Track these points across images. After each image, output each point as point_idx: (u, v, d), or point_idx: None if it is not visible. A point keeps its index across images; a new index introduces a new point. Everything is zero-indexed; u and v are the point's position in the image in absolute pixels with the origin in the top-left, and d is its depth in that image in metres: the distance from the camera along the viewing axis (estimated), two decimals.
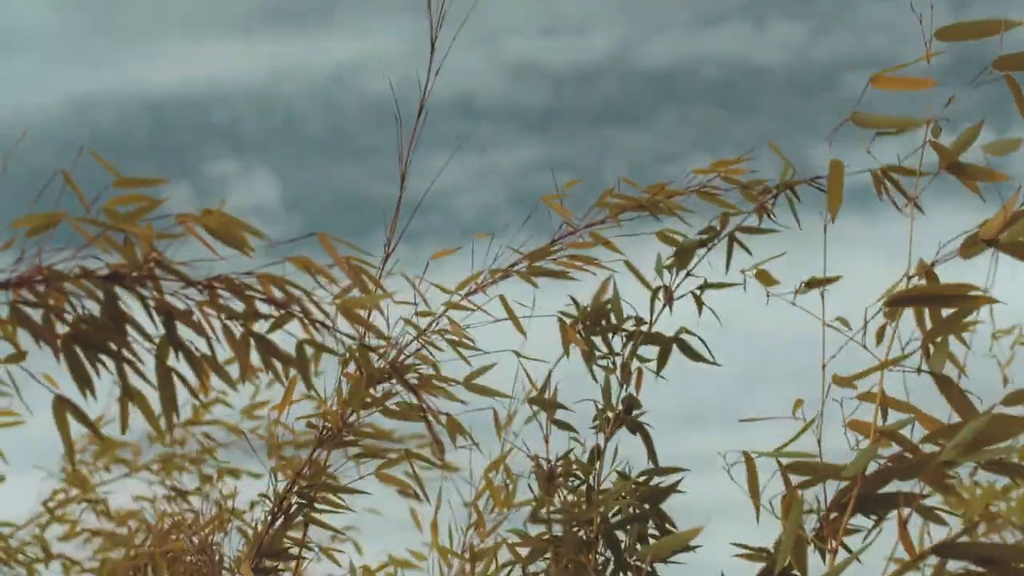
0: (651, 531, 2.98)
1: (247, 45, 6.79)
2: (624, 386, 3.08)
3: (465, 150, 2.98)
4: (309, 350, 2.28)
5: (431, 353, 2.92)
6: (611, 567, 2.94)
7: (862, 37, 6.63)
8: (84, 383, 2.15)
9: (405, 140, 3.04)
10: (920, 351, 2.40)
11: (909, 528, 2.44)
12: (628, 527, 2.94)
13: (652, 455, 3.05)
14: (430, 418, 2.72)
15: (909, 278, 2.42)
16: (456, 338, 2.94)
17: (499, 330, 3.00)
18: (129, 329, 2.19)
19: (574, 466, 3.05)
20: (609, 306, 3.09)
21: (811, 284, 2.64)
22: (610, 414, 3.07)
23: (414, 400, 2.85)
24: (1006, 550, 2.39)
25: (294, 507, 3.05)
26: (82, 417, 2.12)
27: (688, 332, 3.07)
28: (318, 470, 3.03)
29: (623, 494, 2.95)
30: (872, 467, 2.32)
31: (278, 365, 2.28)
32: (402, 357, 2.93)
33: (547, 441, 3.10)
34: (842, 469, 2.31)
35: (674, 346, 3.07)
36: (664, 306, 3.10)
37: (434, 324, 2.98)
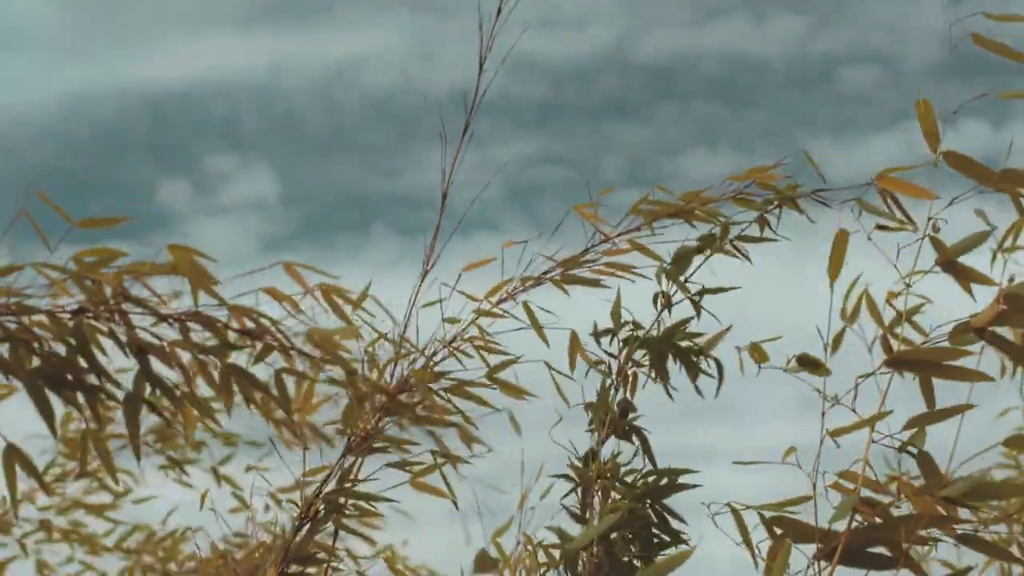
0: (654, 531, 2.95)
1: (247, 41, 6.79)
2: (619, 389, 3.05)
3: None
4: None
5: (459, 361, 2.91)
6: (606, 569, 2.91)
7: (861, 32, 6.50)
8: (48, 418, 2.17)
9: (448, 158, 3.03)
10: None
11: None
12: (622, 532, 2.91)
13: (650, 456, 3.03)
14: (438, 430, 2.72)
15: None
16: (484, 346, 2.92)
17: (529, 341, 2.97)
18: (101, 363, 2.20)
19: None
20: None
21: (802, 362, 2.62)
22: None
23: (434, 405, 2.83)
24: None
25: (321, 513, 3.03)
26: (31, 469, 2.13)
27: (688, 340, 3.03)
28: (345, 475, 3.01)
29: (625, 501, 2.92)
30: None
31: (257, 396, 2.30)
32: (432, 364, 2.92)
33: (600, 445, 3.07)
34: (822, 532, 2.29)
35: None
36: (662, 311, 3.07)
37: (463, 332, 2.95)
